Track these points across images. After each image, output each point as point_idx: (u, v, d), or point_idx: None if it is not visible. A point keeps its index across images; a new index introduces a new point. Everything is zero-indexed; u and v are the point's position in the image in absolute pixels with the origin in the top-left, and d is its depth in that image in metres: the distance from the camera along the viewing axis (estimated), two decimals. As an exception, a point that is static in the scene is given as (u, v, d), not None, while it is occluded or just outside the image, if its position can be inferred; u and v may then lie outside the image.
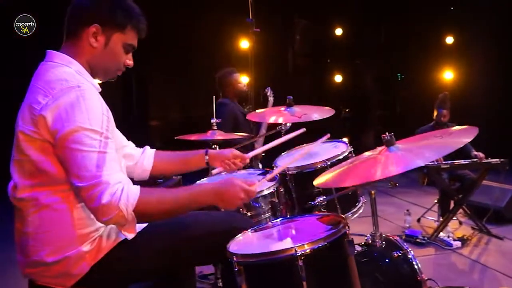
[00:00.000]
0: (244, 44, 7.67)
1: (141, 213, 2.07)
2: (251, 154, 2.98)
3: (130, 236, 2.12)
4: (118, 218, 2.02)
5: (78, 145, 2.01)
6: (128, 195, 2.02)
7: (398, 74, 12.75)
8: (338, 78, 12.26)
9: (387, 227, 6.12)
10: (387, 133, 2.44)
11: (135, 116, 10.94)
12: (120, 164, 2.25)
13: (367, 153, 2.61)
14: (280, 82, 9.88)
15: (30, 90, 2.15)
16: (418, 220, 6.58)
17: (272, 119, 3.64)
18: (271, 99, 5.95)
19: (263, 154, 5.08)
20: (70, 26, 2.28)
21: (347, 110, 12.37)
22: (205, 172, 3.20)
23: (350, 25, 11.88)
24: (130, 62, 2.38)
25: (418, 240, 5.70)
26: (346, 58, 12.29)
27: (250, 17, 4.39)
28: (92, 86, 2.20)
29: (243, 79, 5.97)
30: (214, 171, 2.98)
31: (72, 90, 2.06)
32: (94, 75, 2.31)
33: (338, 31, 11.89)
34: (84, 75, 2.23)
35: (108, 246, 2.22)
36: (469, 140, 2.31)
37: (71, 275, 2.16)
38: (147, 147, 2.81)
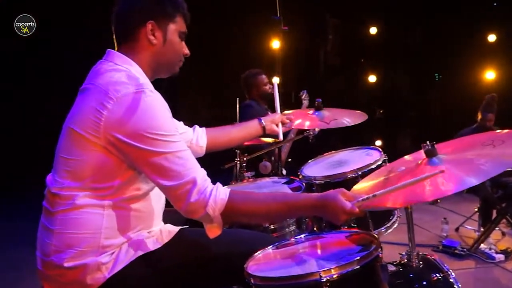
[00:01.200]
0: (275, 44, 7.53)
1: (227, 216, 2.10)
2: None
3: (213, 236, 2.15)
4: (204, 218, 2.09)
5: (157, 148, 2.03)
6: (216, 199, 2.06)
7: (436, 74, 12.42)
8: (372, 78, 11.99)
9: (423, 236, 5.84)
10: (427, 142, 2.14)
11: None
12: None
13: (402, 167, 2.31)
14: (312, 83, 9.68)
15: (91, 89, 2.12)
16: (457, 229, 6.30)
17: (297, 123, 3.37)
18: (305, 102, 5.79)
19: (289, 159, 4.87)
20: (123, 30, 2.29)
21: (381, 111, 12.09)
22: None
23: (385, 23, 11.61)
24: (186, 51, 2.40)
25: (456, 251, 5.43)
26: (381, 58, 12.03)
27: (278, 15, 4.17)
28: (155, 91, 2.16)
29: (275, 80, 5.81)
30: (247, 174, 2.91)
31: (138, 95, 2.05)
32: (157, 74, 2.35)
33: (373, 30, 11.61)
34: (146, 78, 2.22)
35: (126, 260, 2.15)
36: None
37: (85, 285, 2.11)
38: (196, 126, 2.91)
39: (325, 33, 11.95)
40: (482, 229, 5.80)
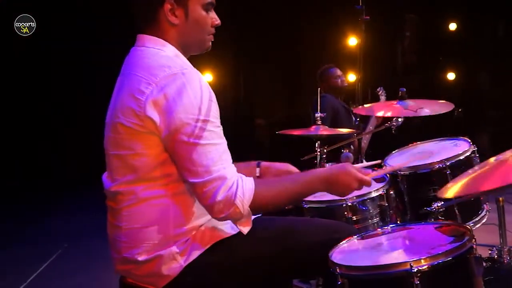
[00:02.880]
0: (352, 41, 7.44)
1: (256, 207, 1.98)
2: None
3: (246, 230, 2.02)
4: (234, 214, 1.94)
5: (191, 138, 1.90)
6: (244, 191, 1.93)
7: (517, 71, 11.95)
8: (451, 76, 11.65)
9: (509, 238, 5.48)
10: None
11: (242, 115, 10.91)
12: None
13: (493, 159, 2.19)
14: (389, 80, 9.50)
15: (128, 78, 2.04)
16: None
17: (381, 113, 3.30)
18: (382, 97, 5.70)
19: (370, 151, 4.78)
20: (142, 15, 2.12)
21: (460, 110, 11.74)
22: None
23: (466, 19, 11.27)
24: (217, 21, 2.17)
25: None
26: (460, 55, 11.66)
27: (360, 4, 4.09)
28: (195, 70, 2.02)
29: (351, 77, 5.75)
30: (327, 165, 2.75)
31: (177, 77, 1.94)
32: (188, 52, 2.16)
33: (452, 26, 11.29)
34: (182, 57, 2.10)
35: (201, 247, 2.06)
36: None
37: (161, 276, 2.04)
38: None
39: (402, 30, 11.71)
40: None
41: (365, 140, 5.15)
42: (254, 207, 1.97)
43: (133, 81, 1.98)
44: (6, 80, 9.04)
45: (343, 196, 2.19)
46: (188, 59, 2.13)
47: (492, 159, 2.13)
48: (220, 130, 1.99)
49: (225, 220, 2.00)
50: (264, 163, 2.59)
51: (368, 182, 2.14)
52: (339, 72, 5.77)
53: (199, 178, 1.91)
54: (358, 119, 5.01)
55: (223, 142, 1.99)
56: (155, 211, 2.02)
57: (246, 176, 2.26)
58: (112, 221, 2.12)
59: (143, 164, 1.99)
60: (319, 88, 4.11)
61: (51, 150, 9.75)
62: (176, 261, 2.03)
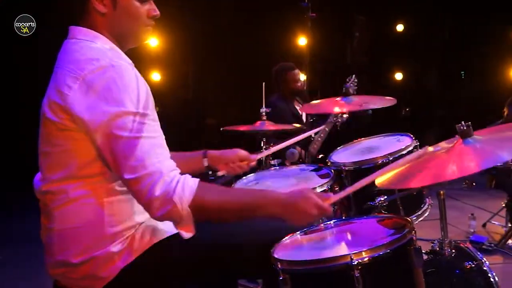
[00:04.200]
0: (302, 41, 7.47)
1: (197, 210, 1.84)
2: (259, 155, 2.69)
3: (187, 235, 1.88)
4: (173, 213, 1.81)
5: (122, 132, 1.80)
6: (183, 188, 1.82)
7: (462, 72, 12.22)
8: (399, 76, 11.85)
9: (450, 232, 5.42)
10: (462, 122, 2.07)
11: (192, 115, 10.83)
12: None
13: (431, 148, 2.25)
14: (338, 81, 9.58)
15: (56, 72, 1.94)
16: (484, 225, 6.14)
17: (328, 109, 3.31)
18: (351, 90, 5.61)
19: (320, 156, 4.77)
20: (72, 5, 2.05)
21: (407, 109, 11.93)
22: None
23: (412, 21, 11.45)
24: (155, 12, 2.08)
25: (484, 246, 5.27)
26: (407, 55, 11.86)
27: (306, 1, 4.09)
28: (127, 63, 1.95)
29: (302, 77, 5.71)
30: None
31: (106, 70, 1.84)
32: (125, 45, 2.07)
33: (399, 27, 11.47)
34: (116, 50, 2.00)
35: (141, 248, 1.99)
36: None
37: (98, 278, 1.95)
38: None
39: (351, 30, 11.82)
40: (509, 225, 5.65)
41: (316, 143, 5.10)
42: (195, 210, 1.84)
43: (60, 75, 1.90)
44: (6, 80, 8.84)
45: (299, 224, 2.03)
46: (132, 56, 2.05)
47: (430, 148, 2.18)
48: (155, 123, 1.91)
49: (163, 220, 1.89)
50: (211, 152, 2.52)
51: (328, 211, 1.99)
52: (298, 75, 5.68)
53: (134, 174, 1.80)
54: (313, 119, 4.97)
55: (159, 136, 1.91)
56: (88, 210, 1.93)
57: (195, 167, 2.21)
58: (45, 223, 2.03)
59: (73, 161, 1.90)
60: (263, 83, 4.07)
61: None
62: (113, 262, 1.95)
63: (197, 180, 1.88)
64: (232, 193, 2.01)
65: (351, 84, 5.05)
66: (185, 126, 9.22)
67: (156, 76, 8.65)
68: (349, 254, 1.77)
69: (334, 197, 2.07)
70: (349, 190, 2.21)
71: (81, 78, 1.83)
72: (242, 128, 3.75)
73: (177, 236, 1.98)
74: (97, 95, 1.82)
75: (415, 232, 1.92)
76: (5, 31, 6.78)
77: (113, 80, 1.82)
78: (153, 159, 1.82)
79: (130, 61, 2.02)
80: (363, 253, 1.79)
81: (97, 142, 1.85)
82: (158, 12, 2.09)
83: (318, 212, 1.96)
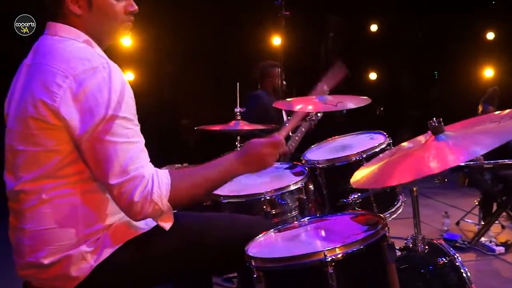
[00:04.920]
0: (277, 41, 7.47)
1: (175, 201, 1.89)
2: None
3: (168, 225, 1.94)
4: (154, 211, 1.85)
5: (110, 137, 1.80)
6: (160, 185, 1.85)
7: (435, 72, 12.34)
8: (373, 76, 11.94)
9: (424, 230, 5.51)
10: (434, 119, 2.09)
11: (167, 116, 10.77)
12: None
13: (405, 144, 2.28)
14: (312, 81, 9.58)
15: (40, 70, 1.88)
16: (457, 223, 6.24)
17: (299, 107, 3.30)
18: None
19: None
20: (48, 8, 2.01)
21: (381, 109, 12.02)
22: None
23: (386, 21, 11.53)
24: (132, 7, 2.05)
25: (457, 244, 5.37)
26: (381, 55, 11.94)
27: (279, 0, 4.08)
28: (115, 64, 1.91)
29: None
30: None
31: (98, 71, 1.82)
32: (103, 43, 2.05)
33: (373, 27, 11.55)
34: (98, 49, 1.98)
35: (113, 246, 1.97)
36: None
37: (70, 277, 1.92)
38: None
39: (326, 30, 11.85)
40: (482, 223, 5.73)
41: (293, 143, 5.06)
42: (173, 201, 1.88)
43: (47, 73, 1.85)
44: (6, 80, 8.71)
45: (266, 167, 2.10)
46: (107, 54, 2.01)
47: (404, 144, 2.20)
48: (138, 128, 1.90)
49: (145, 219, 1.91)
50: None
51: (279, 140, 2.09)
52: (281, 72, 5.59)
53: (116, 179, 1.80)
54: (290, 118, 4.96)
55: (141, 141, 1.90)
56: (62, 211, 1.90)
57: None
58: (15, 224, 1.98)
59: (53, 161, 1.86)
60: (238, 83, 4.06)
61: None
62: (86, 261, 1.92)
63: (167, 173, 1.90)
64: (200, 175, 1.98)
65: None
66: (161, 127, 9.15)
67: (129, 76, 8.58)
68: (323, 250, 1.78)
69: (280, 133, 2.17)
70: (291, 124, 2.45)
71: (71, 77, 1.81)
72: (216, 127, 3.73)
73: (149, 234, 2.02)
74: (89, 96, 1.79)
75: (388, 228, 1.93)
76: (5, 31, 6.72)
77: (105, 81, 1.81)
78: (137, 164, 1.82)
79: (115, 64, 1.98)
80: (337, 249, 1.79)
81: (81, 144, 1.82)
82: (135, 7, 2.06)
83: (272, 148, 2.06)
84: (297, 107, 3.21)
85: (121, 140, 1.81)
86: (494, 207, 5.79)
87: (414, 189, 2.43)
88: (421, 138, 2.23)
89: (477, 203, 6.00)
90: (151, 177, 1.84)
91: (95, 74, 1.81)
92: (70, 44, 1.92)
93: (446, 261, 2.41)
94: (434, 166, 1.88)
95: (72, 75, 1.81)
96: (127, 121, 1.83)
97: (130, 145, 1.83)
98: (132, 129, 1.85)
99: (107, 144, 1.80)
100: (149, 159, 1.90)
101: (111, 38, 2.07)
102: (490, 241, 5.37)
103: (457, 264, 2.41)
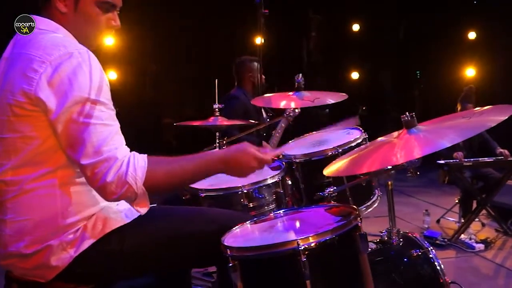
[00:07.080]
0: (257, 39, 7.46)
1: (150, 186, 1.89)
2: None
3: (144, 211, 1.95)
4: (128, 193, 1.86)
5: (84, 118, 1.83)
6: (135, 167, 1.86)
7: (417, 72, 12.41)
8: (355, 75, 11.99)
9: (405, 227, 5.65)
10: (407, 113, 2.13)
11: (149, 114, 10.75)
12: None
13: (381, 138, 2.32)
14: (292, 78, 9.60)
15: (18, 59, 1.92)
16: (438, 221, 6.28)
17: (281, 104, 3.32)
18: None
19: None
20: (34, 1, 2.08)
21: (363, 108, 12.07)
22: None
23: (368, 21, 11.58)
24: (115, 23, 2.12)
25: (437, 241, 5.42)
26: (363, 55, 11.99)
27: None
28: (91, 53, 1.94)
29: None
30: None
31: (73, 56, 1.86)
32: (82, 44, 2.05)
33: (355, 27, 11.60)
34: (73, 40, 2.01)
35: (93, 237, 1.99)
36: (503, 118, 1.98)
37: (50, 267, 1.96)
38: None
39: (308, 30, 11.88)
40: (462, 220, 5.78)
41: (274, 141, 5.04)
42: (148, 186, 1.88)
43: (25, 60, 1.89)
44: None
45: (244, 176, 2.13)
46: None
47: (380, 138, 2.25)
48: (113, 113, 1.93)
49: (119, 200, 1.93)
50: None
51: (267, 160, 2.10)
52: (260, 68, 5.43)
53: (89, 159, 1.82)
54: (270, 115, 4.96)
55: (116, 124, 1.92)
56: (42, 202, 1.93)
57: None
58: None
59: (30, 146, 1.90)
60: (216, 80, 4.05)
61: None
62: (65, 252, 1.95)
63: (145, 157, 1.92)
64: (177, 164, 2.00)
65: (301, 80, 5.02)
66: (143, 126, 9.14)
67: (112, 75, 8.55)
68: (296, 239, 1.80)
69: (272, 152, 2.18)
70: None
71: (48, 62, 1.84)
72: (196, 123, 3.75)
73: (129, 226, 2.04)
74: (64, 79, 1.83)
75: (360, 219, 1.96)
76: (5, 31, 6.67)
77: (80, 65, 1.85)
78: (110, 145, 1.84)
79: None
80: (310, 238, 1.82)
81: (57, 126, 1.85)
82: (118, 24, 2.13)
83: (258, 163, 2.07)
84: (276, 104, 3.24)
85: (95, 121, 1.83)
86: (474, 205, 5.84)
87: (389, 183, 2.47)
88: (396, 133, 2.27)
89: (457, 201, 6.05)
90: (127, 158, 1.86)
91: (70, 59, 1.85)
92: (48, 34, 1.96)
93: (420, 254, 2.45)
94: (400, 156, 1.93)
95: (49, 61, 1.84)
96: (102, 104, 1.86)
97: (104, 127, 1.85)
98: (106, 112, 1.88)
99: (81, 125, 1.82)
100: (124, 142, 1.92)
101: (88, 43, 2.08)
102: (470, 239, 5.43)
103: (430, 256, 2.45)
